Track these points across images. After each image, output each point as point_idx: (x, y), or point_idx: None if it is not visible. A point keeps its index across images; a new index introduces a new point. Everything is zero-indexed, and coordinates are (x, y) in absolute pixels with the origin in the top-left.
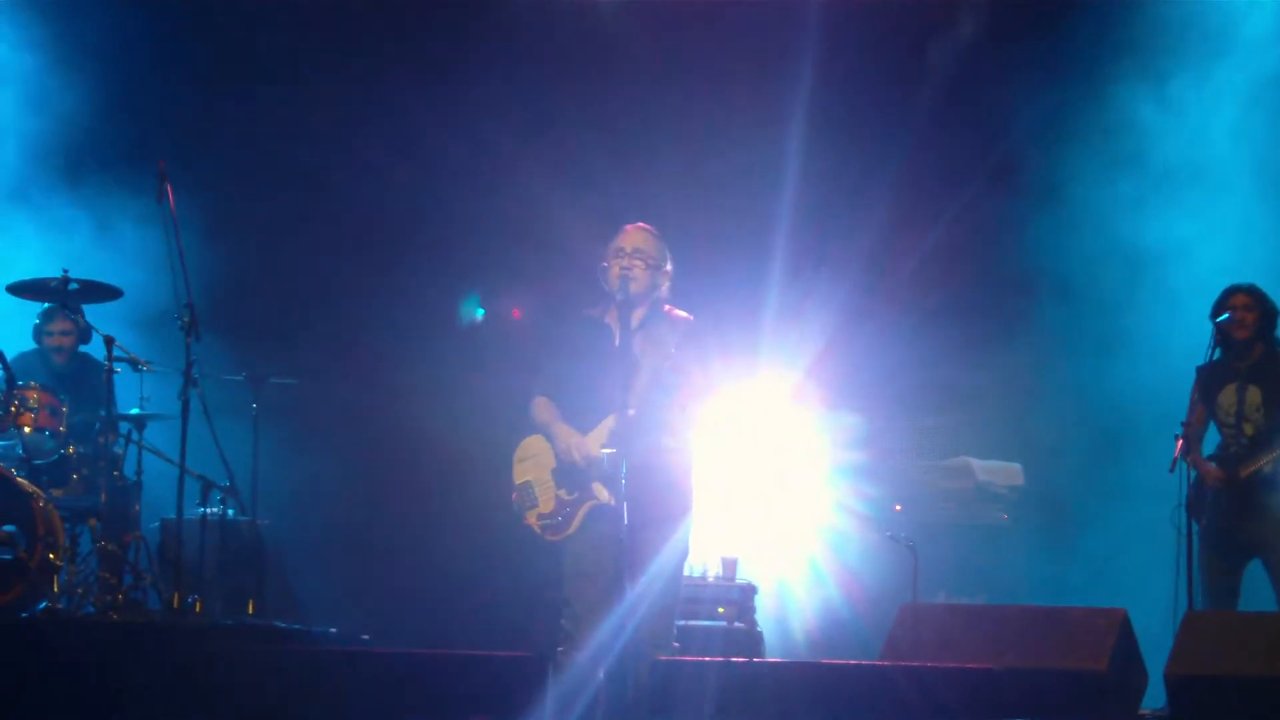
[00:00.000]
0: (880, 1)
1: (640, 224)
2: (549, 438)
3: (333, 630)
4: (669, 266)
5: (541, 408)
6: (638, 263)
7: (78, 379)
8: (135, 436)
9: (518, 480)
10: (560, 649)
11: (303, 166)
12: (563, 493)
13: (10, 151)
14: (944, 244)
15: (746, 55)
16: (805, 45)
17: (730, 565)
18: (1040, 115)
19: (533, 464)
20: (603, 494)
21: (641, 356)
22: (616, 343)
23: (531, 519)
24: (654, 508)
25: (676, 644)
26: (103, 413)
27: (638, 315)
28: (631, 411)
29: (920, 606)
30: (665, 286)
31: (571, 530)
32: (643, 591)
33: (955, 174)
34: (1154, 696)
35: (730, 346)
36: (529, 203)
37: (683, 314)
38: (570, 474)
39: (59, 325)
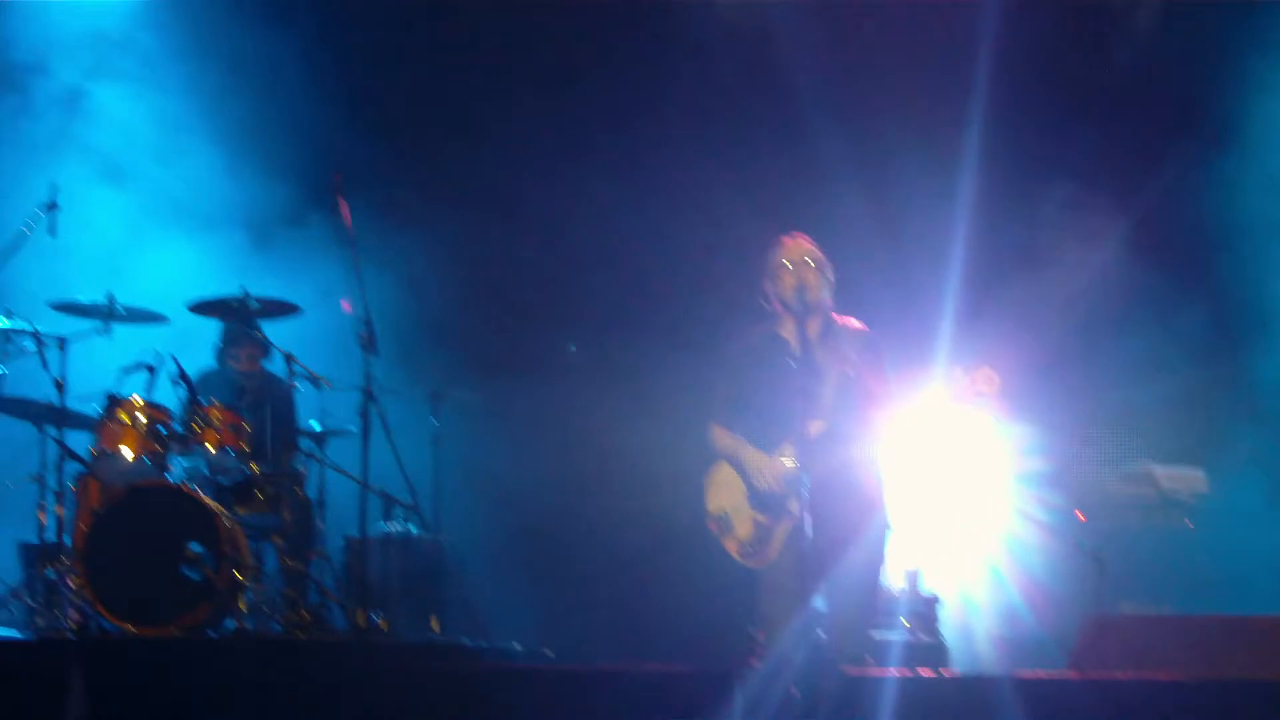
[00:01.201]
0: None
1: (799, 234)
2: (737, 464)
3: (517, 646)
4: (832, 276)
5: (721, 435)
6: (810, 272)
7: (259, 397)
8: (317, 453)
9: (712, 509)
10: (749, 662)
11: (482, 179)
12: (759, 516)
13: (187, 170)
14: (1130, 246)
15: (918, 50)
16: (980, 36)
17: (913, 577)
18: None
19: (725, 491)
20: (799, 511)
21: (825, 367)
22: (795, 355)
23: (731, 546)
24: (846, 522)
25: (870, 658)
26: (284, 430)
27: (815, 325)
28: (820, 423)
29: (1107, 616)
30: (830, 297)
31: (773, 554)
32: (833, 604)
33: (1139, 176)
34: None
35: (907, 354)
36: (709, 213)
37: (857, 323)
38: (765, 497)
39: (240, 344)
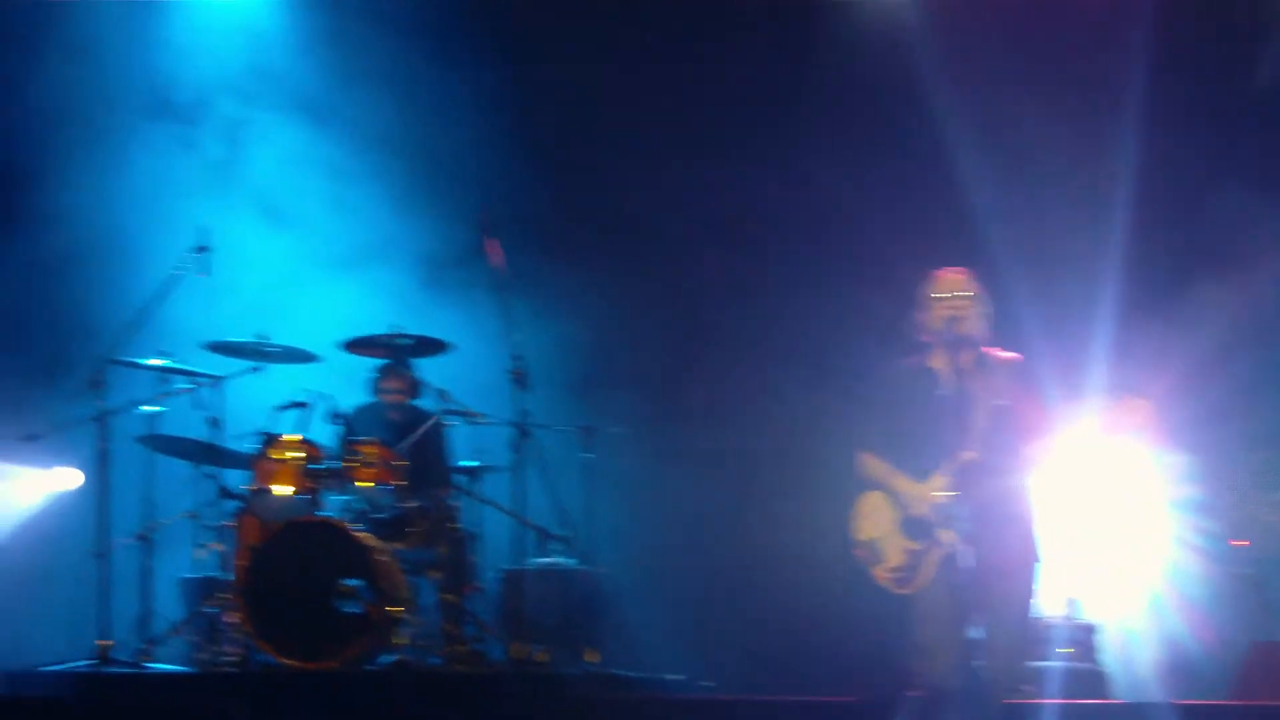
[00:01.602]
0: None
1: (954, 267)
2: (888, 491)
3: (675, 677)
4: (987, 308)
5: (872, 464)
6: (964, 303)
7: (413, 431)
8: (471, 488)
9: (861, 537)
10: (907, 692)
11: (631, 218)
12: (910, 544)
13: (345, 208)
14: None
15: (1069, 63)
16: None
17: (1072, 605)
18: None
19: (875, 519)
20: (951, 540)
21: (976, 398)
22: (945, 387)
23: (881, 573)
24: (1002, 552)
25: (1028, 685)
26: (439, 465)
27: (967, 357)
28: (971, 454)
29: (1272, 644)
30: (985, 329)
31: (924, 581)
32: (992, 634)
33: None
34: None
35: (1060, 384)
36: (860, 244)
37: (1009, 355)
38: (916, 524)
39: (393, 380)
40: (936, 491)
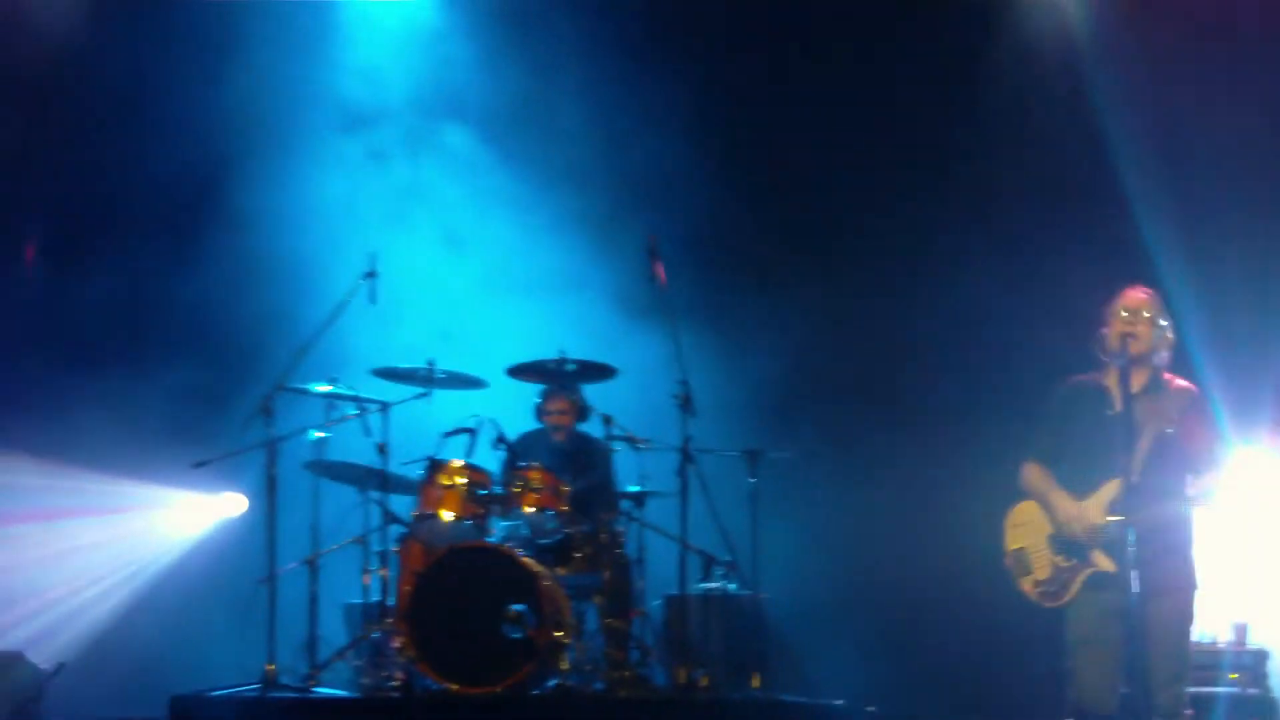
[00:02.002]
0: None
1: (1141, 287)
2: (1045, 505)
3: (839, 702)
4: (1170, 334)
5: (1034, 475)
6: (1140, 324)
7: (578, 457)
8: (635, 513)
9: (1011, 546)
10: (1066, 718)
11: (798, 243)
12: (1060, 559)
13: (517, 232)
14: None
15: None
16: None
17: (1241, 630)
18: None
19: (1026, 530)
20: (1103, 562)
21: (1144, 422)
22: (1116, 408)
23: (1027, 585)
24: (1163, 577)
25: (1189, 711)
26: (603, 491)
27: (1139, 379)
28: (1134, 478)
29: None
30: (1166, 354)
31: (1069, 598)
32: (1150, 660)
33: None
34: None
35: (1231, 414)
36: (1036, 263)
37: (1184, 383)
38: (1069, 541)
39: (557, 404)
40: (1093, 511)
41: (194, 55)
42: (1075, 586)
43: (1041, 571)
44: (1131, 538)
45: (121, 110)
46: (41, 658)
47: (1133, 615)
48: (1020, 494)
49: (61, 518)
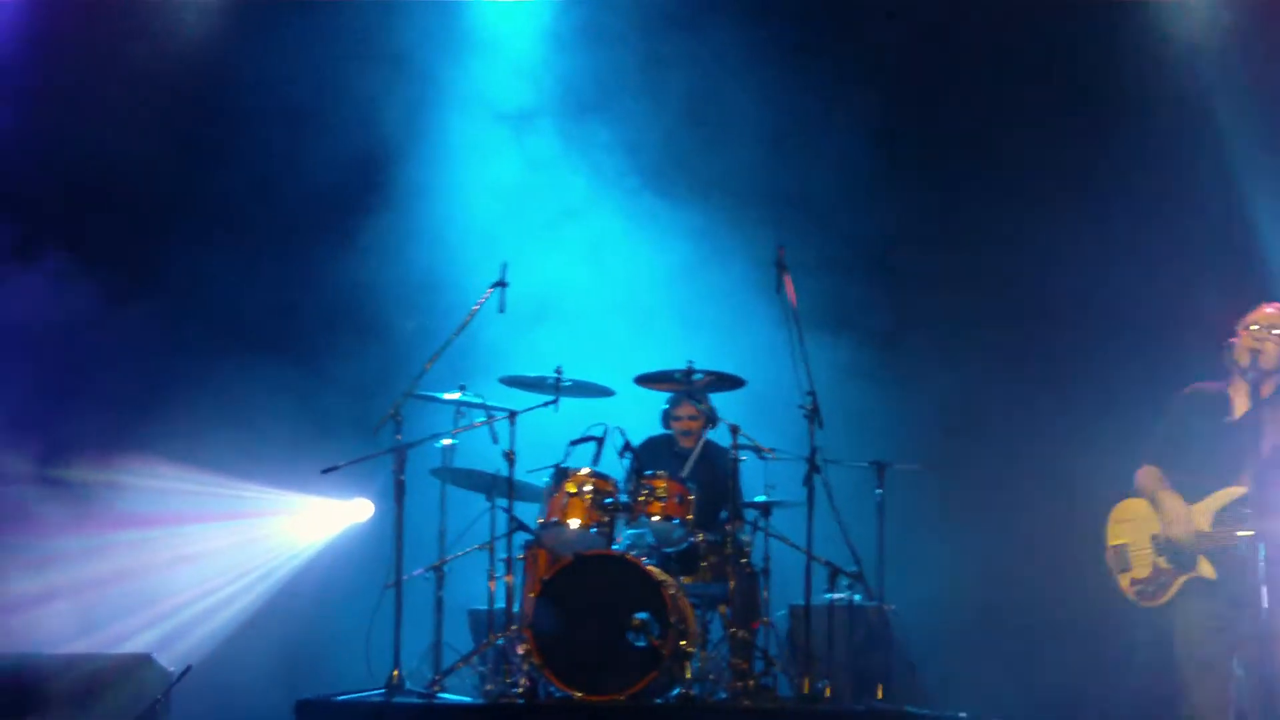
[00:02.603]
0: None
1: (1275, 304)
2: (1155, 505)
3: (963, 715)
4: None
5: (1148, 475)
6: (1269, 340)
7: (704, 467)
8: (761, 523)
9: (1112, 541)
10: None
11: (928, 250)
12: (1161, 561)
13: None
14: None
15: None
16: None
17: None
18: None
19: (1131, 527)
20: (1206, 569)
21: (1263, 433)
22: (1235, 416)
23: (1124, 582)
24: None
25: None
26: (730, 500)
27: (1266, 389)
28: (1242, 488)
29: None
30: None
31: (1165, 599)
32: (1259, 673)
33: None
34: None
35: None
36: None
37: None
38: (1172, 544)
39: (685, 410)
40: (1201, 518)
41: (348, 56)
42: (1173, 590)
43: (1141, 570)
44: (1262, 553)
45: (285, 110)
46: (169, 660)
47: (1264, 639)
48: (1132, 491)
49: (191, 522)
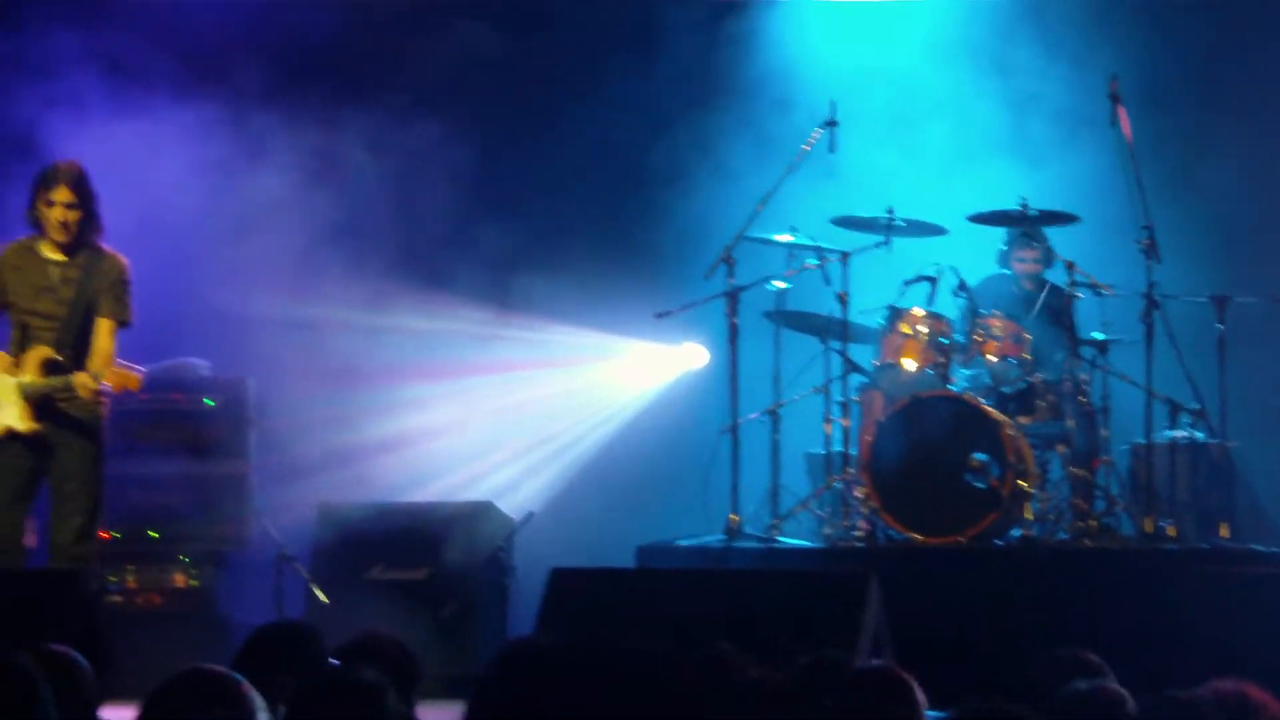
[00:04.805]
0: None
1: None
2: None
3: None
4: None
5: None
6: None
7: (1040, 305)
8: (1099, 362)
9: None
10: None
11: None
12: None
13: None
14: None
15: None
16: None
17: None
18: None
19: None
20: None
21: None
22: None
23: None
24: None
25: None
26: (1066, 338)
27: None
28: None
29: None
30: None
31: None
32: None
33: None
34: None
35: None
36: None
37: None
38: None
39: (1025, 251)
40: None
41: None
42: None
43: None
44: None
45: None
46: (509, 507)
47: None
48: None
49: (522, 368)
